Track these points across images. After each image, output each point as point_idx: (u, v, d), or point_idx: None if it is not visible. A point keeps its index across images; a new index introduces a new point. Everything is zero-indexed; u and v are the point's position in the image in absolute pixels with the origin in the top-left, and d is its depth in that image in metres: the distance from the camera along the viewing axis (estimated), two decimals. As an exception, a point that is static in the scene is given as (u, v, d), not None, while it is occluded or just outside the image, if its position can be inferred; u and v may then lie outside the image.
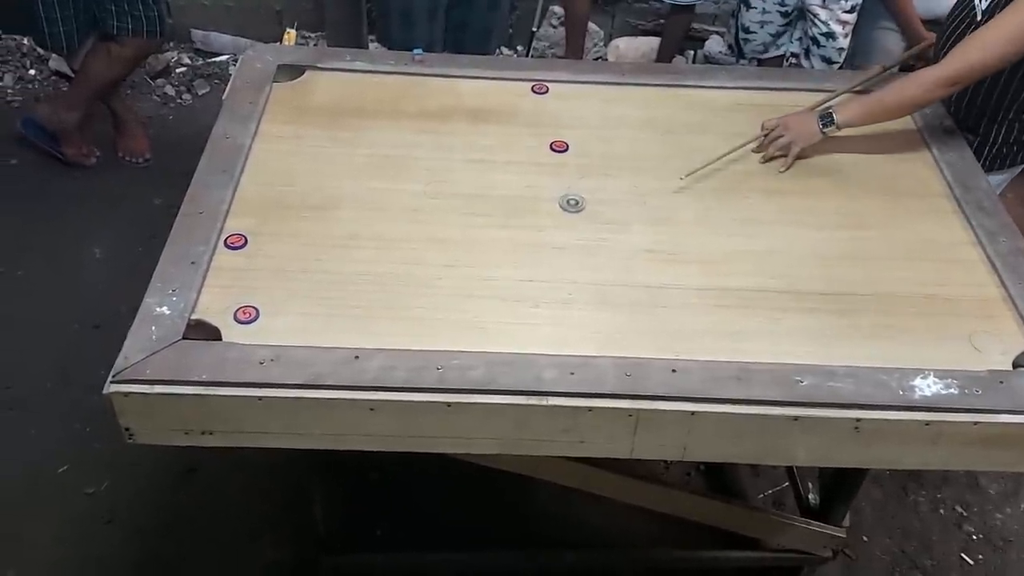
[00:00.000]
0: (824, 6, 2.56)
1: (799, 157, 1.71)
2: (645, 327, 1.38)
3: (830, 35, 2.60)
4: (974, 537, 2.12)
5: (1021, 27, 1.58)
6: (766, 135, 1.72)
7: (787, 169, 1.68)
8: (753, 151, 1.72)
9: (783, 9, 2.66)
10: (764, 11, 2.68)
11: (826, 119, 1.69)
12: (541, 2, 2.60)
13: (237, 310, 1.34)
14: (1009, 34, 1.59)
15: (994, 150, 1.87)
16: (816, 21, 2.60)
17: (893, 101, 1.68)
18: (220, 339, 1.30)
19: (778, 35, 2.75)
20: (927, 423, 1.25)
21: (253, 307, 1.34)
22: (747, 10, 2.72)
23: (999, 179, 1.93)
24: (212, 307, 1.34)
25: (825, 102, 1.79)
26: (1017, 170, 1.95)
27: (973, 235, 1.57)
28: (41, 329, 2.38)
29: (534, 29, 2.72)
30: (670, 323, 1.39)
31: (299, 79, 1.86)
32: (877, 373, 1.29)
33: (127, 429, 1.25)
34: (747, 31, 2.76)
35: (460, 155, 1.71)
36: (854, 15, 2.58)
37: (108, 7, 2.54)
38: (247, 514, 2.02)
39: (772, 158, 1.71)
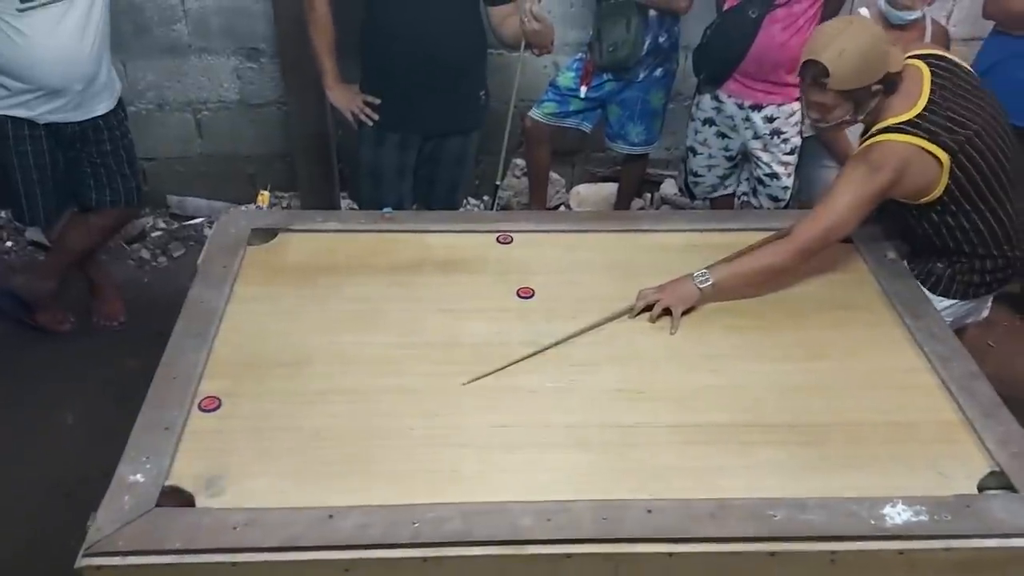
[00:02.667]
0: (766, 150, 2.74)
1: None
2: (619, 467, 1.40)
3: (774, 176, 2.77)
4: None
5: (852, 202, 1.76)
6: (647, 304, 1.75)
7: (675, 331, 1.71)
8: (630, 317, 1.74)
9: (728, 154, 2.84)
10: (710, 156, 2.86)
11: (700, 277, 1.75)
12: (504, 155, 2.74)
13: (210, 475, 1.34)
14: (843, 207, 1.76)
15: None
16: (759, 163, 2.78)
17: (756, 268, 1.79)
18: (194, 505, 1.29)
19: (725, 177, 2.92)
20: (901, 551, 1.26)
21: (226, 470, 1.35)
22: (694, 156, 2.90)
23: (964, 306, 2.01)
24: (186, 472, 1.34)
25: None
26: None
27: (927, 361, 1.63)
28: (10, 498, 2.32)
29: (498, 183, 2.85)
30: (643, 461, 1.41)
31: (272, 241, 1.94)
32: (848, 503, 1.31)
33: (98, 603, 1.22)
34: (696, 175, 2.93)
35: (430, 305, 1.76)
36: (794, 156, 2.77)
37: (87, 181, 2.63)
38: None
39: (658, 318, 1.74)
